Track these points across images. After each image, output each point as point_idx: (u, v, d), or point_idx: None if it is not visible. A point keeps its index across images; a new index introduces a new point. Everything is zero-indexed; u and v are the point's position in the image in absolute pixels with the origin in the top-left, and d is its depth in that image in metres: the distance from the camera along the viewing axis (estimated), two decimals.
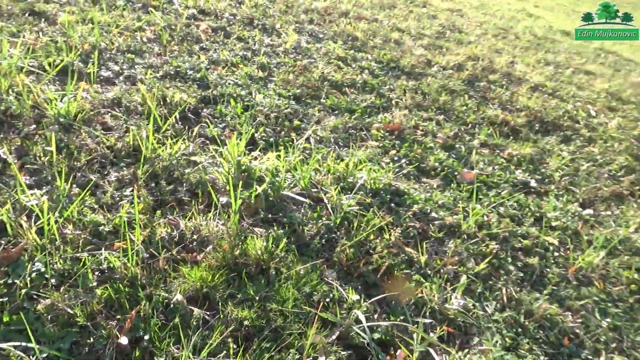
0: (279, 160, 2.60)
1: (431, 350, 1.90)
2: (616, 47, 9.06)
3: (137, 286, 1.81)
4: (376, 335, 1.92)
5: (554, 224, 2.89)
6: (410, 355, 1.86)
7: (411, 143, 3.36)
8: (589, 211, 3.14)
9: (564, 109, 4.66)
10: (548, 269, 2.53)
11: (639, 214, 3.21)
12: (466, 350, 1.96)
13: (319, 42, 4.77)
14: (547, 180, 3.41)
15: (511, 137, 3.92)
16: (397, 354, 1.88)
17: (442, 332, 2.01)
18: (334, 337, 1.86)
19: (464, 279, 2.27)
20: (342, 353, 1.80)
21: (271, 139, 2.98)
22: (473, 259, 2.45)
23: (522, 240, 2.69)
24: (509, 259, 2.53)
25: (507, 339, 2.06)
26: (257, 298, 1.90)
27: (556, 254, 2.66)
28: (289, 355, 1.73)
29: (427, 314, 2.08)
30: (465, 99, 4.31)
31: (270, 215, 2.37)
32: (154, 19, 4.07)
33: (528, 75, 5.45)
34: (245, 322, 1.79)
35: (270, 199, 2.44)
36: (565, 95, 5.18)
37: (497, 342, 2.02)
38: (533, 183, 3.29)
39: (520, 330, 2.13)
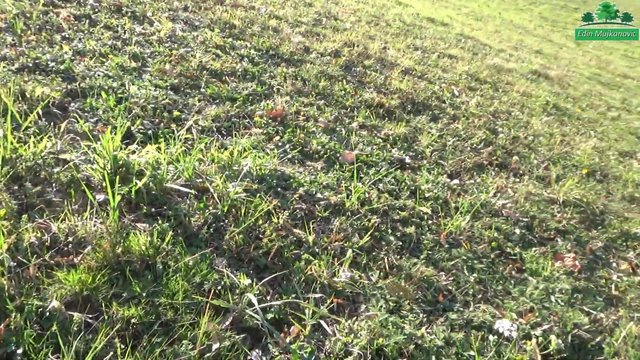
0: (159, 153, 2.52)
1: (322, 322, 2.00)
2: (474, 33, 10.01)
3: (4, 298, 1.66)
4: (270, 316, 1.97)
5: (427, 195, 3.16)
6: (303, 330, 1.94)
7: (294, 128, 3.43)
8: (456, 181, 3.48)
9: (431, 90, 5.07)
10: (423, 236, 2.77)
11: (496, 180, 3.63)
12: (354, 318, 2.10)
13: (195, 31, 4.64)
14: (419, 156, 3.71)
15: (387, 118, 4.18)
16: (291, 330, 1.95)
17: (332, 304, 2.12)
18: (227, 322, 1.87)
19: (349, 253, 2.41)
20: (237, 337, 1.82)
21: (149, 132, 2.86)
22: (357, 234, 2.60)
23: (400, 212, 2.90)
24: (389, 230, 2.72)
25: (390, 303, 2.23)
26: (144, 294, 1.84)
27: (430, 222, 2.92)
28: (181, 346, 1.71)
29: (317, 289, 2.18)
30: (343, 84, 4.49)
31: (153, 209, 2.29)
32: (4, 5, 3.66)
33: (399, 60, 5.82)
34: (133, 320, 1.74)
35: (153, 192, 2.36)
36: (432, 77, 5.62)
37: (382, 306, 2.18)
38: (408, 159, 3.56)
39: (401, 293, 2.32)
